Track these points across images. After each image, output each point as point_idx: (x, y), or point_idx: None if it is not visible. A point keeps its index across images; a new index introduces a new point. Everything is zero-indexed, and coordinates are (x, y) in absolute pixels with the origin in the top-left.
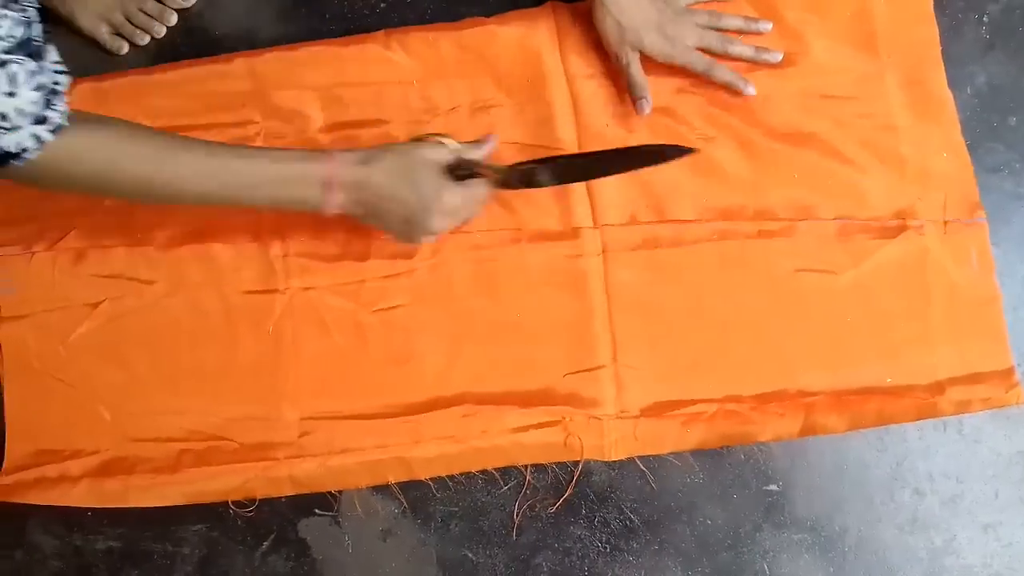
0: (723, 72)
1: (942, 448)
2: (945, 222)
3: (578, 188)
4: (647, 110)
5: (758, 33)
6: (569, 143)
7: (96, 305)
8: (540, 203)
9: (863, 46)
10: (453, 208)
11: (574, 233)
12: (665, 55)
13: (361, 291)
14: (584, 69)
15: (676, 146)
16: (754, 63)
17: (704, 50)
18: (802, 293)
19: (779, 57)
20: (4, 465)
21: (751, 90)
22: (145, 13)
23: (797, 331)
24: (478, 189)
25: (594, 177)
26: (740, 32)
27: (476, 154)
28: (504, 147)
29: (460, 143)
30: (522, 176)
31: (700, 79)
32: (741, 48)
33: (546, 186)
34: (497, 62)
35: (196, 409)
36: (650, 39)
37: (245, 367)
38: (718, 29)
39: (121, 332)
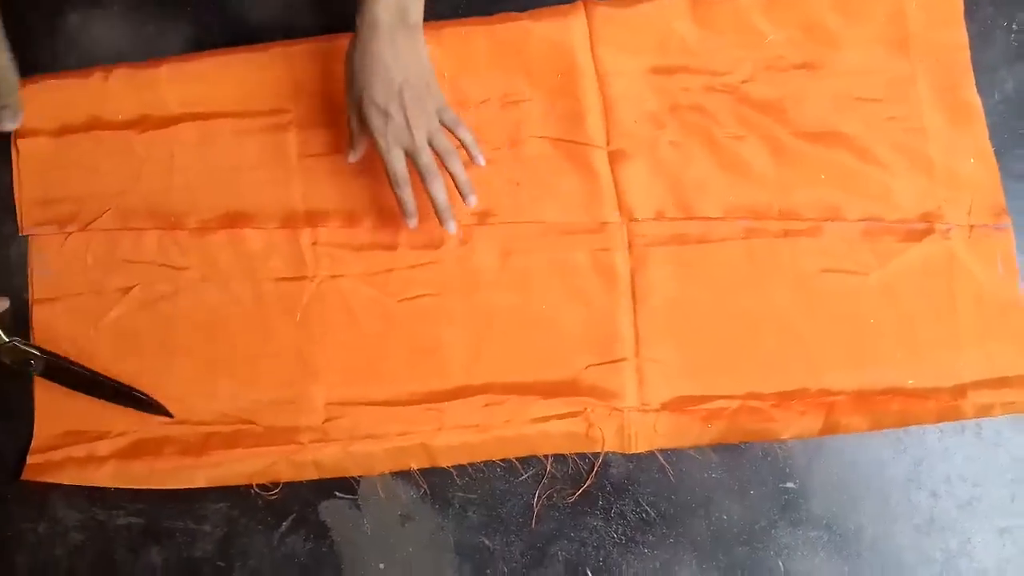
0: (440, 188)
1: (960, 451)
2: (971, 227)
3: (605, 183)
4: (412, 224)
5: (472, 160)
6: (598, 139)
7: (128, 290)
8: (567, 197)
9: (895, 49)
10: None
11: (600, 227)
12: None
13: (389, 280)
14: (615, 67)
15: (158, 405)
16: (456, 187)
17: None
18: (827, 293)
19: (473, 200)
20: (32, 445)
21: (471, 201)
22: None
23: (821, 330)
24: None
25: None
26: (463, 148)
27: None
28: (533, 142)
29: None
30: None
31: (730, 81)
32: (458, 168)
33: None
34: (529, 57)
35: (224, 393)
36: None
37: (273, 353)
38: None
39: (152, 317)
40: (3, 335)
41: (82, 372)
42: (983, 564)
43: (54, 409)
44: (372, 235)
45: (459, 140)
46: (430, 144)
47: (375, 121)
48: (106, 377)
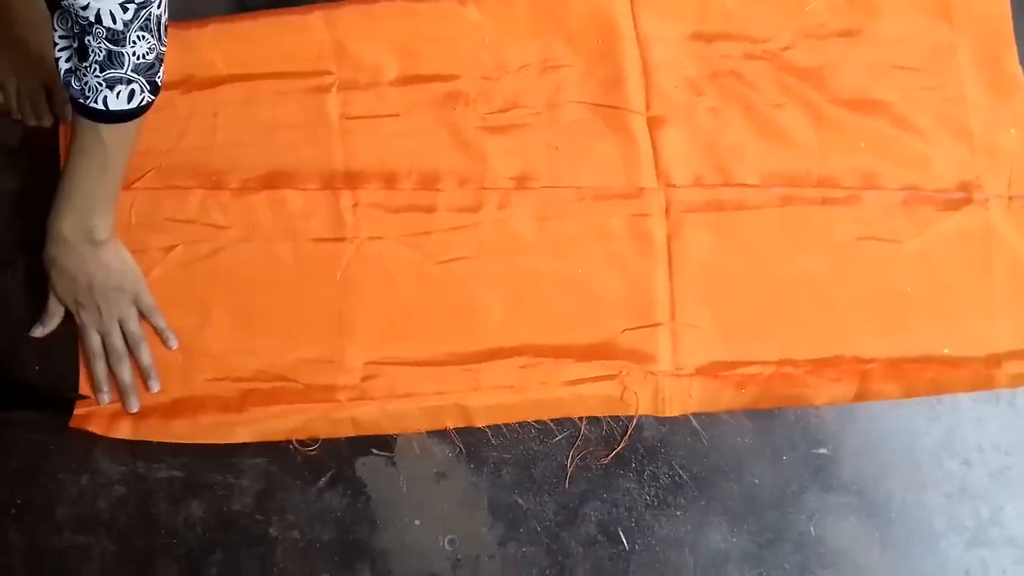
0: (125, 369)
1: (993, 420)
2: (1010, 197)
3: (644, 148)
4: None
5: (164, 343)
6: (637, 105)
7: (171, 249)
8: (605, 161)
9: (936, 18)
10: None
11: (638, 193)
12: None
13: (427, 242)
14: (656, 32)
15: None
16: (140, 371)
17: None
18: (863, 261)
19: (155, 385)
20: (81, 390)
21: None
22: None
23: (856, 298)
24: None
25: None
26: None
27: None
28: (572, 107)
29: None
30: None
31: (770, 48)
32: (144, 355)
33: None
34: (569, 22)
35: (265, 351)
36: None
37: (313, 312)
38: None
39: (194, 276)
40: None
41: None
42: (1013, 533)
43: None
44: (411, 197)
45: (153, 326)
46: (123, 330)
47: (71, 305)
48: None
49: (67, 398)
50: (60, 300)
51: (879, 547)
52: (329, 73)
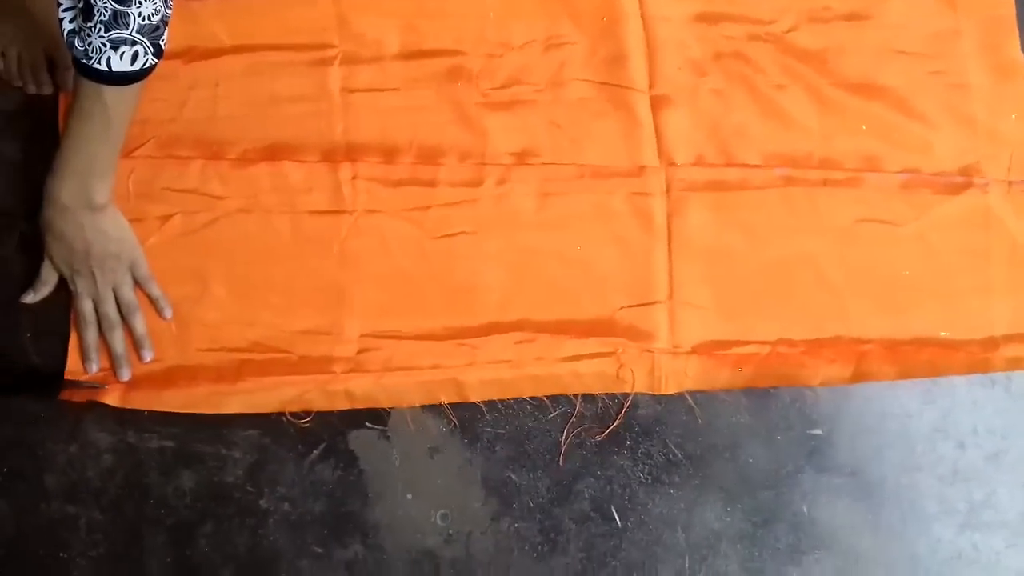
0: (118, 338)
1: (989, 404)
2: (1009, 182)
3: (646, 127)
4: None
5: (159, 313)
6: (640, 84)
7: (168, 218)
8: (607, 139)
9: (940, 4)
10: None
11: (639, 171)
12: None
13: (426, 217)
14: (661, 12)
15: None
16: (133, 340)
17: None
18: (863, 243)
19: (148, 355)
20: (68, 366)
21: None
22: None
23: (855, 279)
24: None
25: None
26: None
27: None
28: (576, 84)
29: None
30: None
31: (774, 31)
32: (138, 323)
33: None
34: (574, 0)
35: (260, 322)
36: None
37: (310, 284)
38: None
39: (191, 246)
40: None
41: None
42: (1006, 516)
43: None
44: (411, 171)
45: (148, 295)
46: (117, 297)
47: (66, 271)
48: None
49: (58, 366)
50: (55, 266)
51: (872, 529)
52: (332, 46)
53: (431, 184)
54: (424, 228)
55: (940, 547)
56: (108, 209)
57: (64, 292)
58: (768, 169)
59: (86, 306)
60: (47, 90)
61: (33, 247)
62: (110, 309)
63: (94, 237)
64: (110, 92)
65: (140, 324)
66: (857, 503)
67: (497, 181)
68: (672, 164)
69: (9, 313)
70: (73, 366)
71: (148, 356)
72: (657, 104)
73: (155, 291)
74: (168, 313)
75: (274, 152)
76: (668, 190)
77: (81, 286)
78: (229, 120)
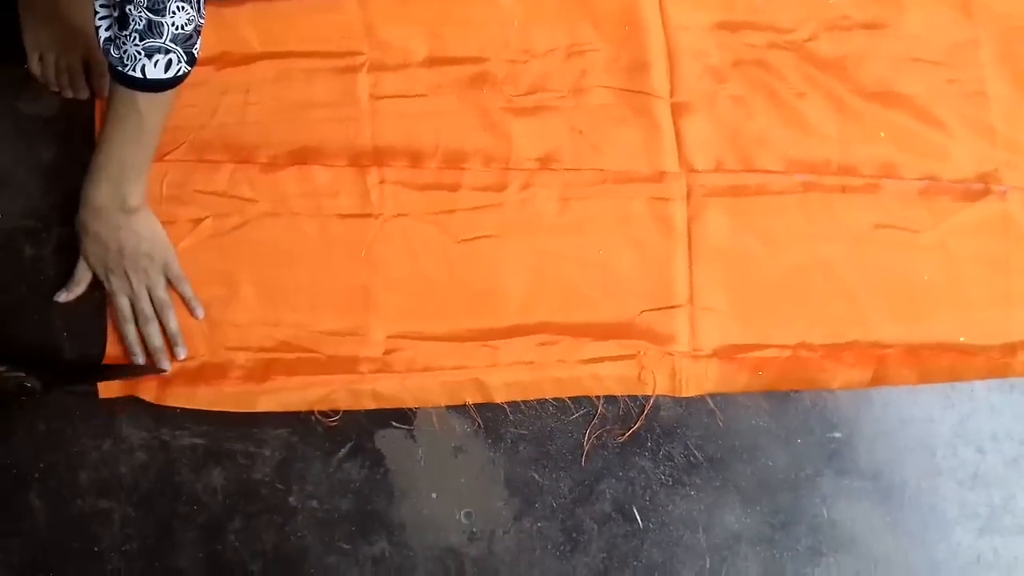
0: (154, 332)
1: (1008, 409)
2: None
3: (667, 133)
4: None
5: (191, 312)
6: (662, 91)
7: (199, 221)
8: (628, 145)
9: (959, 14)
10: None
11: (660, 177)
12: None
13: (451, 221)
14: (682, 20)
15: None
16: (166, 336)
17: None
18: (881, 249)
19: (182, 352)
20: (107, 350)
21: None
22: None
23: (874, 285)
24: None
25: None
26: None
27: None
28: (597, 91)
29: None
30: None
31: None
32: (171, 320)
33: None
34: (596, 8)
35: (289, 322)
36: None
37: (337, 286)
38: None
39: (222, 248)
40: None
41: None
42: None
43: None
44: (436, 176)
45: (180, 294)
46: (151, 295)
47: (101, 271)
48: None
49: (93, 364)
50: (90, 266)
51: (891, 532)
52: (360, 53)
53: (455, 188)
54: (449, 231)
55: (960, 551)
56: (142, 211)
57: (99, 291)
58: (787, 175)
59: (123, 304)
60: (83, 95)
61: (70, 249)
62: (145, 306)
63: (128, 238)
64: (144, 98)
65: (173, 322)
66: (876, 507)
67: (521, 186)
68: (692, 170)
69: (45, 312)
70: (112, 350)
71: (182, 353)
72: (678, 111)
73: (187, 291)
74: (200, 313)
75: (303, 156)
76: (688, 195)
77: (116, 285)
78: (259, 125)
